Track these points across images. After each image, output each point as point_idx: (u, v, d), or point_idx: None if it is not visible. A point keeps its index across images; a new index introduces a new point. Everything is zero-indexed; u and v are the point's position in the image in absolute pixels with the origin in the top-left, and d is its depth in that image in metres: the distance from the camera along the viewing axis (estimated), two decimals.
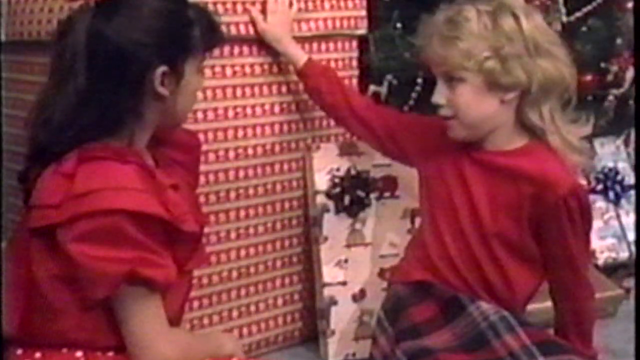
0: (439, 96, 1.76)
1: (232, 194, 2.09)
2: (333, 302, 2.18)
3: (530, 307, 1.86)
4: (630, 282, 2.48)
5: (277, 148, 2.16)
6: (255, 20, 2.06)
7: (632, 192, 2.76)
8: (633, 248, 2.71)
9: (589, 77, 2.55)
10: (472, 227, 1.76)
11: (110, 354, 1.40)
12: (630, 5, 2.68)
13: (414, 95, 2.28)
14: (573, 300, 1.81)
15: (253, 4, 2.06)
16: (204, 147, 1.89)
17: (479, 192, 1.76)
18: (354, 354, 2.19)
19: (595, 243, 2.61)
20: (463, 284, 1.76)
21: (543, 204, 1.71)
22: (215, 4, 1.98)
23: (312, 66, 2.06)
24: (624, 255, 2.72)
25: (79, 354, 1.39)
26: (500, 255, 1.76)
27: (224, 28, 1.98)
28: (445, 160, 1.81)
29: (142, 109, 1.42)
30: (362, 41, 2.30)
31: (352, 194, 2.20)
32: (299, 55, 2.07)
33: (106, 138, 1.40)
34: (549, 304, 1.86)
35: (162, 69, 1.40)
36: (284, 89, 2.16)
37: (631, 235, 2.72)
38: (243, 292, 2.14)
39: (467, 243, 1.77)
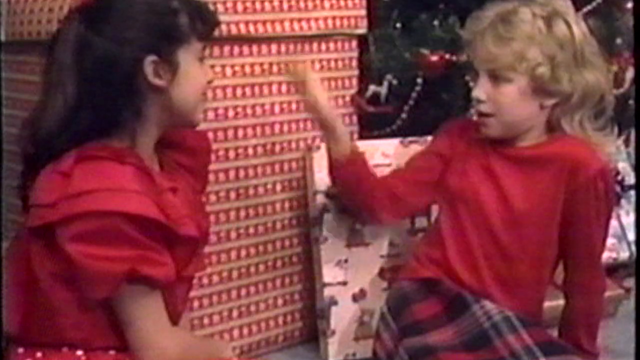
0: (481, 92, 1.76)
1: (232, 194, 2.09)
2: (333, 302, 2.18)
3: None
4: (630, 282, 2.48)
5: (277, 148, 2.16)
6: (319, 94, 1.86)
7: (632, 192, 2.76)
8: (633, 248, 2.71)
9: None
10: (501, 223, 1.77)
11: (112, 352, 1.40)
12: (629, 5, 2.67)
13: (414, 95, 2.28)
14: (587, 292, 1.83)
15: (253, 3, 2.06)
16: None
17: (510, 186, 1.77)
18: (354, 354, 2.19)
19: None
20: (480, 282, 1.76)
21: (574, 184, 1.73)
22: (215, 3, 1.98)
23: (356, 159, 1.89)
24: (624, 255, 2.72)
25: (79, 352, 1.39)
26: (531, 252, 1.76)
27: (224, 28, 2.00)
28: (468, 159, 1.82)
29: (141, 105, 1.40)
30: (362, 41, 2.29)
31: None
32: (346, 142, 1.89)
33: (106, 139, 1.40)
34: (552, 303, 1.86)
35: (150, 58, 1.39)
36: (284, 89, 2.16)
37: (631, 235, 2.72)
38: (243, 292, 2.14)
39: (496, 240, 1.77)
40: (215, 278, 2.08)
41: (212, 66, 2.01)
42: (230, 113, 2.07)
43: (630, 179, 2.78)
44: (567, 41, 1.72)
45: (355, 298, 2.19)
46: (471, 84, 1.86)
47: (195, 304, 2.04)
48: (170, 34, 1.42)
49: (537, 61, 1.70)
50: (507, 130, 1.77)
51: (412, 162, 1.96)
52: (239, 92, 2.08)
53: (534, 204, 1.75)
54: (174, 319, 1.45)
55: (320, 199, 2.17)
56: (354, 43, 2.28)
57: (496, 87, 1.74)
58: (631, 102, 2.68)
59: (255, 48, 2.10)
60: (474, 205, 1.79)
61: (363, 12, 2.28)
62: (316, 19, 2.19)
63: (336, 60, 2.24)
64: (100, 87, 1.37)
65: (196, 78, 1.47)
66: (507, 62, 1.71)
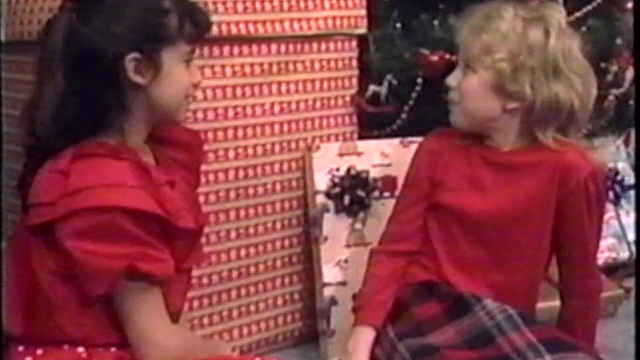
0: (452, 79, 1.79)
1: (232, 194, 2.09)
2: (333, 302, 2.18)
3: None
4: (630, 282, 2.47)
5: (277, 148, 2.16)
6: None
7: (632, 192, 2.76)
8: (633, 248, 2.71)
9: None
10: (493, 231, 1.76)
11: (113, 349, 1.41)
12: (630, 5, 2.67)
13: (413, 95, 2.28)
14: (583, 293, 1.82)
15: (253, 3, 2.06)
16: (204, 147, 1.88)
17: (497, 192, 1.76)
18: None
19: None
20: (475, 290, 1.75)
21: (565, 188, 1.73)
22: (215, 3, 1.98)
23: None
24: (624, 255, 2.72)
25: (80, 349, 1.39)
26: (525, 258, 1.76)
27: (224, 28, 2.00)
28: (452, 171, 1.81)
29: (125, 101, 1.40)
30: (362, 41, 2.30)
31: (352, 194, 2.20)
32: None
33: (97, 135, 1.40)
34: (549, 303, 1.86)
35: (131, 55, 1.39)
36: (283, 89, 2.16)
37: (631, 235, 2.72)
38: (243, 292, 2.14)
39: (489, 249, 1.76)
40: (215, 278, 2.08)
41: (212, 66, 2.02)
42: (230, 113, 2.07)
43: (630, 179, 2.78)
44: (539, 48, 1.71)
45: (355, 298, 2.19)
46: None
47: (195, 304, 2.04)
48: (156, 33, 1.42)
49: (500, 57, 1.71)
50: (470, 121, 1.77)
51: (405, 211, 1.89)
52: (238, 92, 2.08)
53: (525, 209, 1.75)
54: (174, 313, 1.46)
55: (320, 199, 2.18)
56: (354, 43, 2.29)
57: (465, 76, 1.76)
58: (631, 102, 2.68)
59: (255, 48, 2.10)
60: (462, 216, 1.78)
61: (363, 12, 2.28)
62: (316, 19, 2.19)
63: (336, 60, 2.24)
64: (84, 78, 1.38)
65: (179, 79, 1.46)
66: (475, 52, 1.74)
